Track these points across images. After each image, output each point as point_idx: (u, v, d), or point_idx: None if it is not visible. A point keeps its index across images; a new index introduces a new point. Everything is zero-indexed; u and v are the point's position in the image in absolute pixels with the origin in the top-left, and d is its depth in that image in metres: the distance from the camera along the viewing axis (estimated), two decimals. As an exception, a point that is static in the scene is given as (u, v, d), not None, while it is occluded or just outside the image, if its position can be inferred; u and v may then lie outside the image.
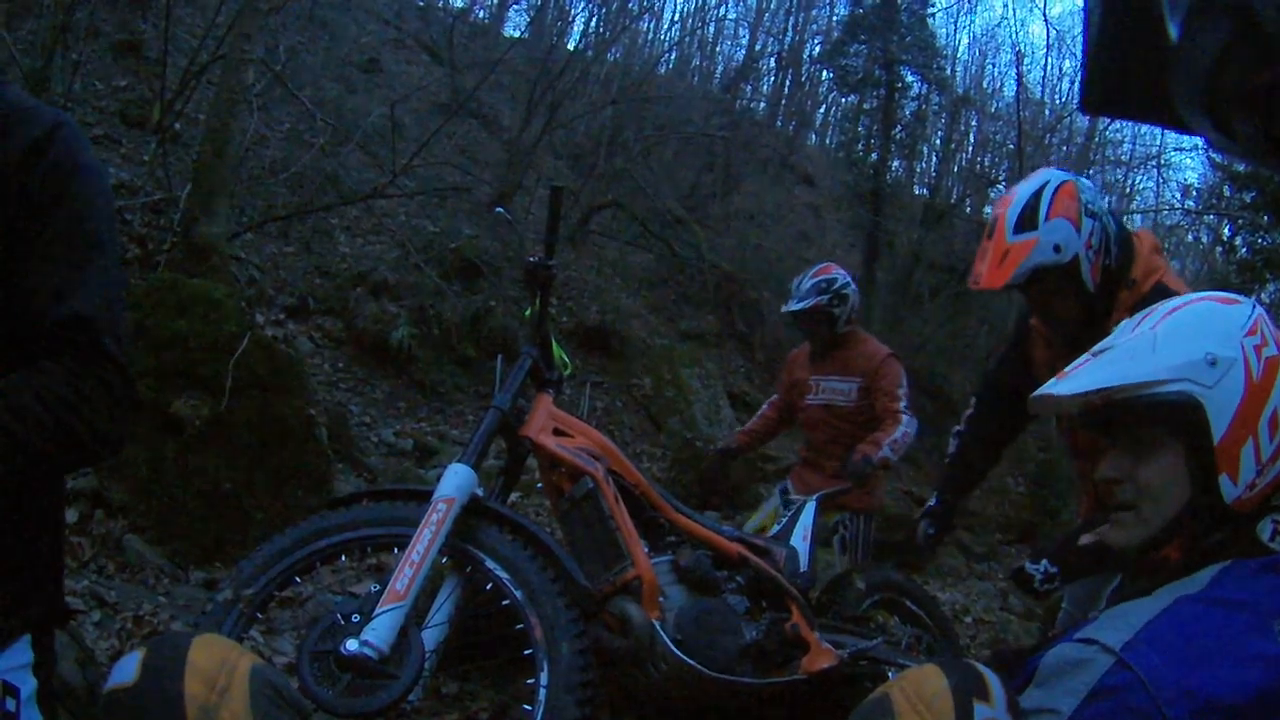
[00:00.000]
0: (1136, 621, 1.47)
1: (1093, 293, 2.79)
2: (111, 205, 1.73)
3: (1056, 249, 2.74)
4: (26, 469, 1.49)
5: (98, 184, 1.66)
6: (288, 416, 4.94)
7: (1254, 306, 1.67)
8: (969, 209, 18.94)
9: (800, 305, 4.85)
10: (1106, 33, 0.83)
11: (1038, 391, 1.74)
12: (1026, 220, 2.79)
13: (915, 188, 19.86)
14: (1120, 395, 1.64)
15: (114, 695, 1.41)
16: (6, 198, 1.52)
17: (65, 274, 1.55)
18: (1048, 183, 2.83)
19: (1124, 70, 0.84)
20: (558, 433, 3.11)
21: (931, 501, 3.54)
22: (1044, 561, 2.75)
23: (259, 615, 2.74)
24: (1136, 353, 1.66)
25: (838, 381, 4.93)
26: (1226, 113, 0.73)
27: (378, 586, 2.52)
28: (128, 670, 1.41)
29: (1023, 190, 2.86)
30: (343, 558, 2.85)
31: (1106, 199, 2.99)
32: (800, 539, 3.65)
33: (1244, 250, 14.72)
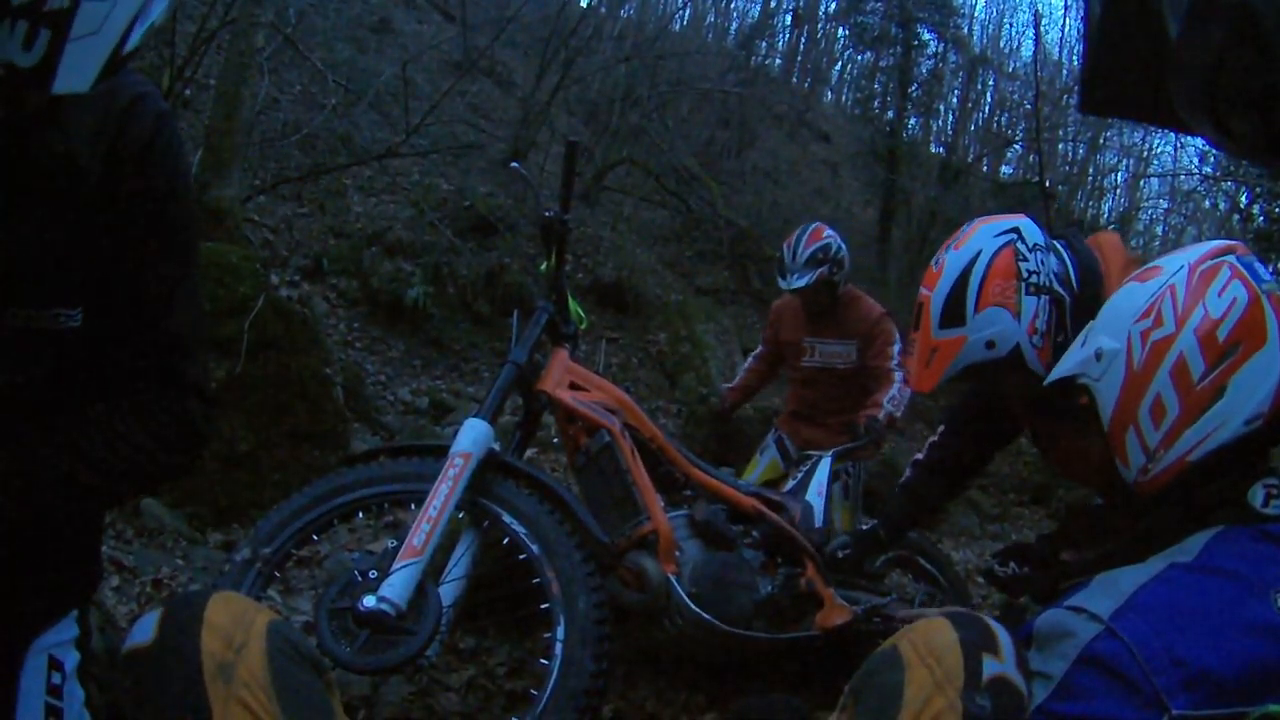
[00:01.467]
0: (1127, 588, 1.47)
1: (1043, 375, 2.31)
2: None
3: (990, 345, 2.39)
4: (94, 508, 1.53)
5: (191, 189, 1.63)
6: (304, 377, 4.95)
7: (1178, 271, 1.62)
8: (986, 168, 18.78)
9: (803, 282, 4.80)
10: (1107, 33, 0.83)
11: None
12: (953, 312, 2.42)
13: (932, 146, 19.68)
14: (1045, 390, 1.77)
15: (133, 654, 1.40)
16: (125, 201, 1.44)
17: (166, 286, 1.50)
18: (979, 255, 2.43)
19: (1124, 70, 0.84)
20: (574, 387, 3.10)
21: (869, 525, 3.41)
22: (1011, 565, 2.54)
23: (277, 575, 2.75)
24: (1070, 350, 1.74)
25: (836, 345, 4.99)
26: (1226, 113, 0.73)
27: (395, 543, 2.53)
28: (146, 630, 1.41)
29: (950, 267, 2.46)
30: (360, 515, 2.86)
31: (1056, 256, 2.54)
32: (815, 494, 3.64)
33: (1261, 219, 14.51)
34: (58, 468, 1.39)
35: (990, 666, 1.42)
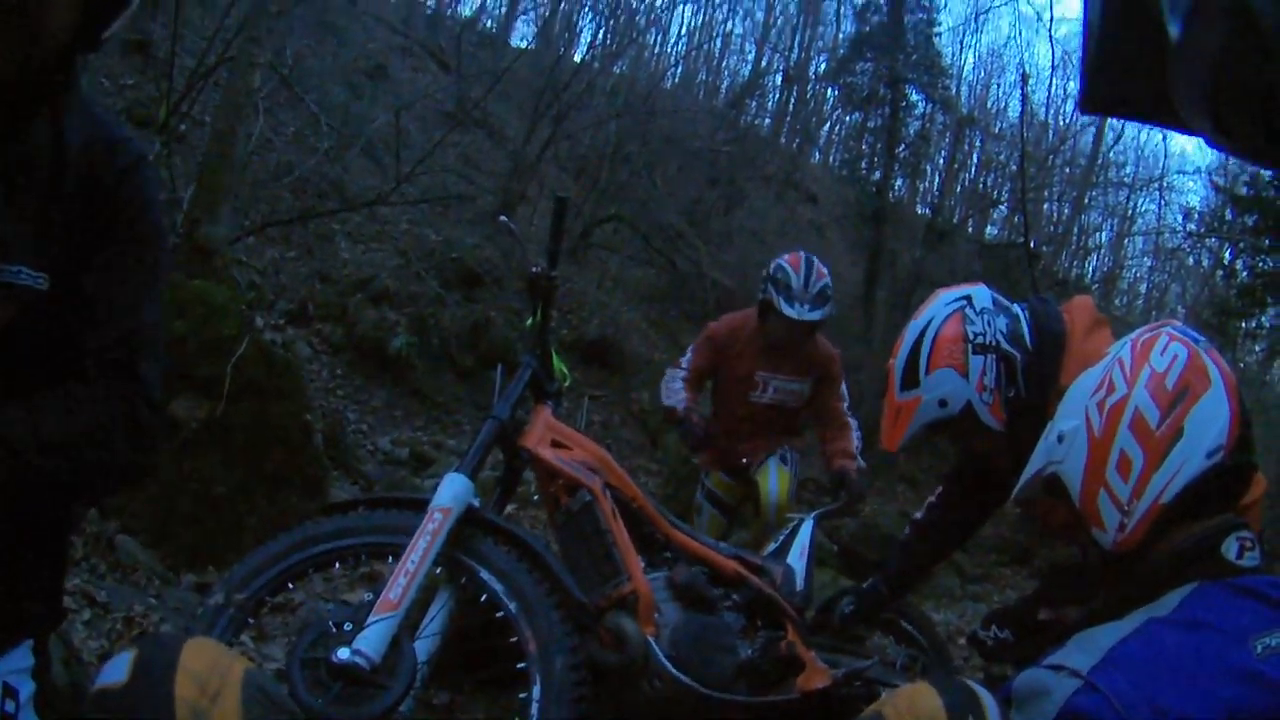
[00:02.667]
0: (1106, 644, 1.49)
1: (1000, 430, 2.59)
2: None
3: (942, 403, 2.58)
4: (41, 497, 1.50)
5: (164, 223, 1.70)
6: (285, 422, 4.92)
7: (1122, 346, 1.77)
8: (971, 229, 18.95)
9: (816, 315, 4.58)
10: (1106, 33, 0.83)
11: None
12: (909, 375, 2.63)
13: (918, 207, 19.89)
14: (1024, 492, 1.86)
15: (104, 693, 1.38)
16: (97, 211, 1.51)
17: (128, 291, 1.55)
18: (930, 322, 2.64)
19: (1124, 70, 0.84)
20: (556, 444, 3.08)
21: (869, 583, 3.43)
22: (993, 628, 2.72)
23: (250, 620, 2.71)
24: (1035, 452, 1.85)
25: (793, 383, 4.84)
26: (1226, 113, 0.73)
27: (371, 595, 2.50)
28: (119, 670, 1.39)
29: (908, 335, 2.68)
30: (337, 565, 2.83)
31: (1015, 309, 2.73)
32: (797, 557, 3.62)
33: (1245, 274, 14.71)
34: (7, 441, 1.38)
35: None
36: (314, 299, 8.58)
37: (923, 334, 2.62)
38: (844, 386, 4.83)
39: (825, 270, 4.73)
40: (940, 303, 2.68)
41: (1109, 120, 20.15)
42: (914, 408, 2.61)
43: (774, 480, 4.71)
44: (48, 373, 1.48)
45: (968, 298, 2.66)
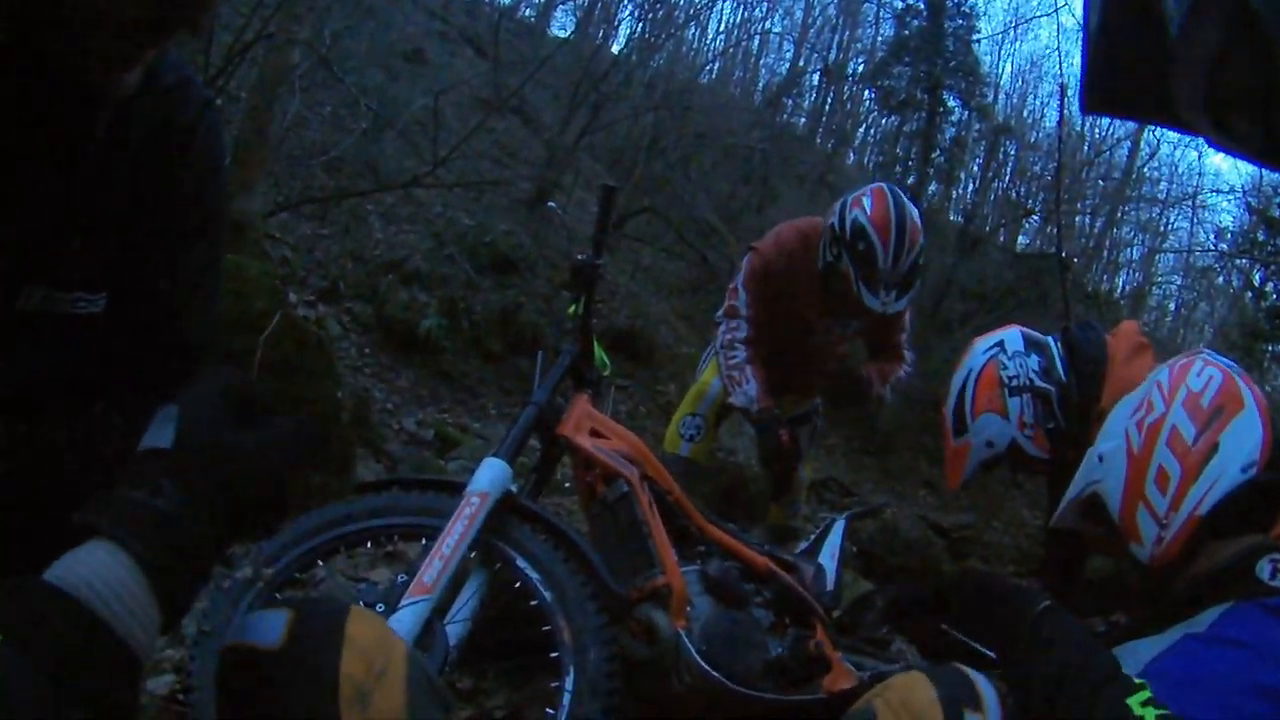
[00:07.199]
0: (1145, 657, 1.54)
1: (1047, 459, 2.77)
2: None
3: (989, 444, 2.79)
4: None
5: (227, 178, 1.60)
6: (314, 398, 4.90)
7: (1160, 372, 1.89)
8: (1002, 239, 18.84)
9: (902, 305, 3.90)
10: (1107, 32, 0.82)
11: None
12: (959, 422, 2.86)
13: (951, 214, 19.78)
14: (1062, 518, 1.98)
15: (253, 654, 1.22)
16: (157, 184, 1.42)
17: (190, 279, 1.48)
18: (970, 373, 2.87)
19: (1125, 70, 0.83)
20: (594, 433, 3.06)
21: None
22: None
23: (276, 596, 2.70)
24: (1074, 479, 1.97)
25: (853, 324, 4.22)
26: (1226, 113, 0.74)
27: (405, 577, 2.48)
28: (270, 630, 1.23)
29: (954, 385, 2.92)
30: (368, 544, 2.80)
31: (1047, 341, 2.91)
32: (828, 557, 3.59)
33: (1275, 296, 14.62)
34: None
35: None
36: (345, 278, 8.58)
37: (965, 385, 2.87)
38: (909, 317, 4.24)
39: (918, 219, 3.86)
40: (976, 353, 2.92)
41: (1144, 134, 20.07)
42: (966, 451, 2.83)
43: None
44: (103, 392, 1.42)
45: (1000, 344, 2.90)
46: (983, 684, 1.51)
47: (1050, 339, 2.95)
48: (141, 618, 1.05)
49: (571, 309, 3.21)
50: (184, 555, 1.12)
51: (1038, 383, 2.80)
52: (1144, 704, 1.38)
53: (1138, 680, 1.45)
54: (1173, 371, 1.84)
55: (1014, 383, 2.79)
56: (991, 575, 1.90)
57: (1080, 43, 0.93)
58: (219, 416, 1.21)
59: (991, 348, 2.90)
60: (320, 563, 2.75)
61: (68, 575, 1.03)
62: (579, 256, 3.11)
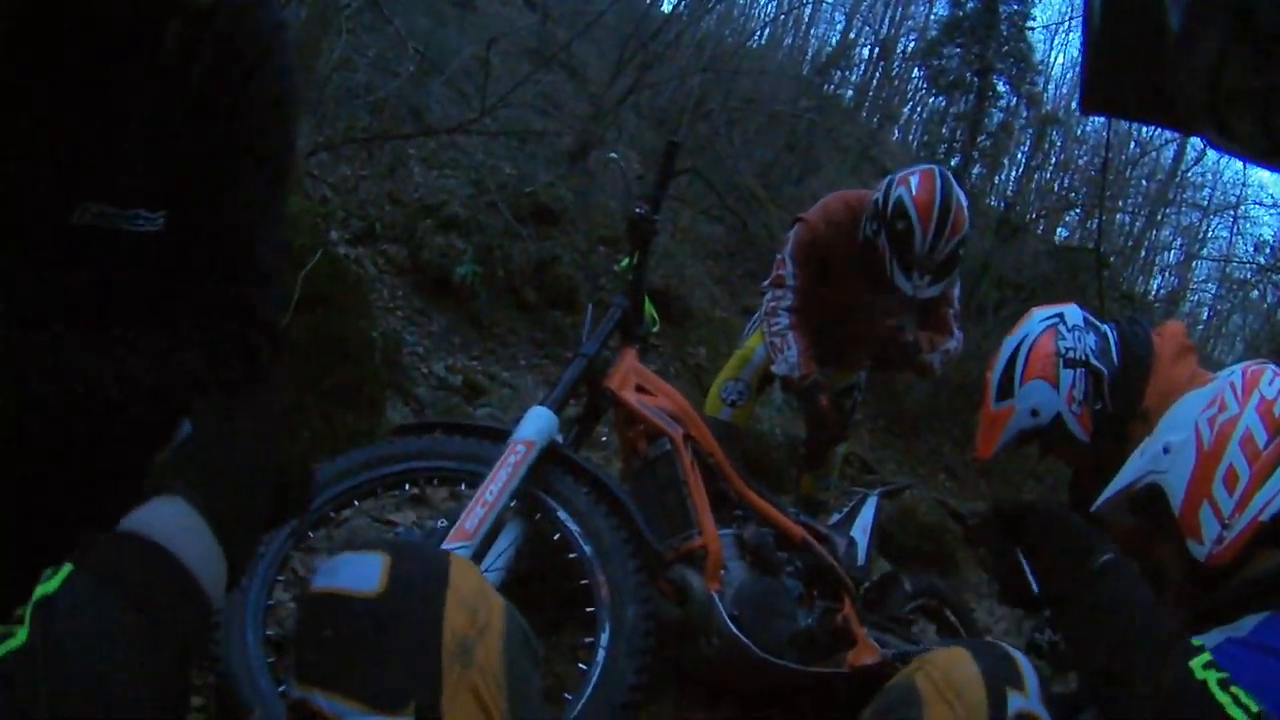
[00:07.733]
0: None
1: (1088, 442, 2.73)
2: None
3: (1034, 413, 2.73)
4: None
5: (296, 104, 1.56)
6: (350, 337, 4.88)
7: (1233, 372, 1.87)
8: (1041, 229, 18.66)
9: (934, 291, 3.83)
10: (1107, 32, 0.81)
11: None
12: (1005, 386, 2.79)
13: (991, 199, 19.60)
14: (1109, 505, 1.93)
15: (348, 601, 1.16)
16: (224, 103, 1.38)
17: (255, 208, 1.44)
18: (1025, 339, 2.81)
19: (1125, 70, 0.83)
20: (640, 389, 3.04)
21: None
22: (1047, 630, 2.86)
23: (310, 534, 2.70)
24: (1133, 458, 1.93)
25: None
26: (1226, 113, 0.73)
27: (444, 521, 2.47)
28: (366, 576, 1.17)
29: (1005, 348, 2.87)
30: (406, 486, 2.79)
31: (1104, 329, 2.86)
32: (860, 531, 3.60)
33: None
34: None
35: (1015, 702, 1.42)
36: (382, 219, 8.54)
37: (1018, 348, 2.80)
38: (957, 290, 4.22)
39: (965, 208, 3.77)
40: (1035, 320, 2.87)
41: (1190, 139, 19.82)
42: (1008, 417, 2.77)
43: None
44: (161, 312, 1.39)
45: (1060, 315, 2.85)
46: (1025, 665, 1.52)
47: (1108, 326, 2.91)
48: (216, 569, 1.08)
49: (625, 262, 3.18)
50: (245, 519, 1.15)
51: (1093, 361, 2.75)
52: (1205, 666, 1.38)
53: (1197, 643, 1.44)
54: (1245, 375, 1.83)
55: (1070, 354, 2.74)
56: (1062, 515, 1.85)
57: (1080, 42, 0.92)
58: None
59: (1051, 317, 2.85)
60: (356, 503, 2.75)
61: (153, 523, 1.04)
62: (636, 210, 3.07)
